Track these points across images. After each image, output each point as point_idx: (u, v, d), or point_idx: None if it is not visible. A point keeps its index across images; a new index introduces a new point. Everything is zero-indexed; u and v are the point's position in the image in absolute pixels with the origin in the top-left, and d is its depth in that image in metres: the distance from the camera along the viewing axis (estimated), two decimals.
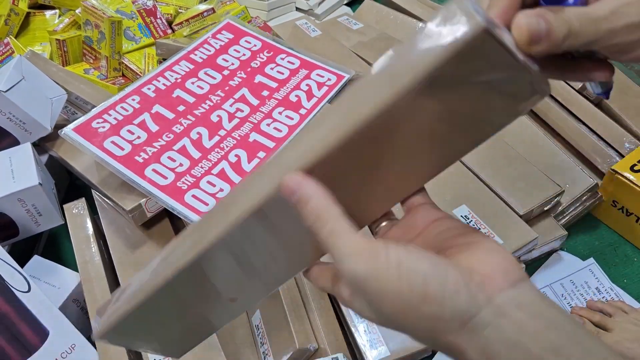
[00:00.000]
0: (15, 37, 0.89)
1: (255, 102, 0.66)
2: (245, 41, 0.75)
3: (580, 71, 0.26)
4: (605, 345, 0.22)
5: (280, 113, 0.65)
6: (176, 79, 0.68)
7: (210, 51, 0.73)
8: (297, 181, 0.23)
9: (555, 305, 0.23)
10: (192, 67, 0.70)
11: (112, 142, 0.60)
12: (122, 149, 0.59)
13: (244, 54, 0.73)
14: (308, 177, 0.23)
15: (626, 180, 0.62)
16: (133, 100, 0.65)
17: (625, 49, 0.24)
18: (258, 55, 0.73)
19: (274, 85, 0.69)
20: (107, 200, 0.62)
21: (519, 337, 0.21)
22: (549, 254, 0.64)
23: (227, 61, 0.72)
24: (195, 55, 0.72)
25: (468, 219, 0.59)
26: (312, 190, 0.23)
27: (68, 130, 0.60)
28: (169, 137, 0.61)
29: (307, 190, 0.23)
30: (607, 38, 0.23)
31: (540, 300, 0.22)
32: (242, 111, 0.65)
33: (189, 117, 0.64)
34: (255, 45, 0.74)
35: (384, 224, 0.30)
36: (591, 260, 0.63)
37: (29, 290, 0.52)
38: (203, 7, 0.93)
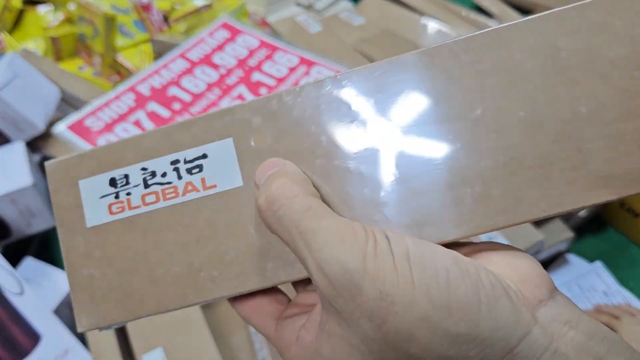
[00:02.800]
0: (9, 34, 0.87)
1: None
2: (243, 40, 0.73)
3: None
4: None
5: None
6: (172, 77, 0.67)
7: (206, 50, 0.71)
8: (277, 161, 0.20)
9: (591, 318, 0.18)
10: (188, 65, 0.69)
11: (107, 140, 0.58)
12: None
13: (241, 53, 0.71)
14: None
15: None
16: (128, 98, 0.63)
17: None
18: (255, 53, 0.71)
19: (272, 83, 0.67)
20: None
21: None
22: (555, 257, 0.63)
23: (223, 59, 0.70)
24: (191, 53, 0.70)
25: None
26: (286, 164, 0.19)
27: (62, 128, 0.59)
28: None
29: (285, 165, 0.19)
30: None
31: (580, 312, 0.17)
32: None
33: (185, 115, 0.63)
34: (252, 44, 0.73)
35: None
36: (598, 263, 0.62)
37: (22, 292, 0.51)
38: (200, 2, 0.91)
